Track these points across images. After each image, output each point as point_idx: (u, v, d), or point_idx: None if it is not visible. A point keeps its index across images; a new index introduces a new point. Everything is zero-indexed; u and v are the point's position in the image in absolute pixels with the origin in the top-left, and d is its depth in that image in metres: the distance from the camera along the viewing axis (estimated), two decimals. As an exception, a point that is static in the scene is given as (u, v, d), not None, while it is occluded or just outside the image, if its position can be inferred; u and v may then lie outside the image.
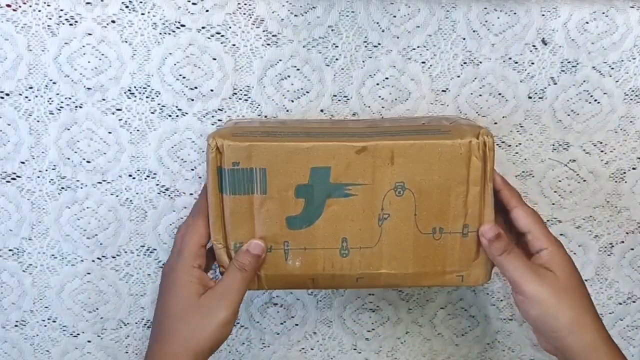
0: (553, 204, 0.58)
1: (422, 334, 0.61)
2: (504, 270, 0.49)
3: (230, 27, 0.51)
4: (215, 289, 0.48)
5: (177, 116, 0.53)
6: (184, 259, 0.48)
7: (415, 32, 0.53)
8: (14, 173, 0.53)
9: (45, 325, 0.57)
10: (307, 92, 0.54)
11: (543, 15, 0.53)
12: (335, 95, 0.54)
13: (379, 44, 0.53)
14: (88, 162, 0.53)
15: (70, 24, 0.50)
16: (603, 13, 0.53)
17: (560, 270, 0.48)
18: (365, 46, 0.53)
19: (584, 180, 0.57)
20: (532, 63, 0.54)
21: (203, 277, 0.48)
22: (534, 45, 0.54)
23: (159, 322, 0.49)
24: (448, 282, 0.50)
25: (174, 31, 0.51)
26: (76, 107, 0.52)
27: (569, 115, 0.56)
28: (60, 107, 0.52)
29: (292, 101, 0.54)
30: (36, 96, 0.51)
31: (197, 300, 0.47)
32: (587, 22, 0.53)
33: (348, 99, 0.54)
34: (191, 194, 0.55)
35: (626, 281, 0.60)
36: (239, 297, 0.48)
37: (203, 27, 0.51)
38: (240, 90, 0.53)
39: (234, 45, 0.52)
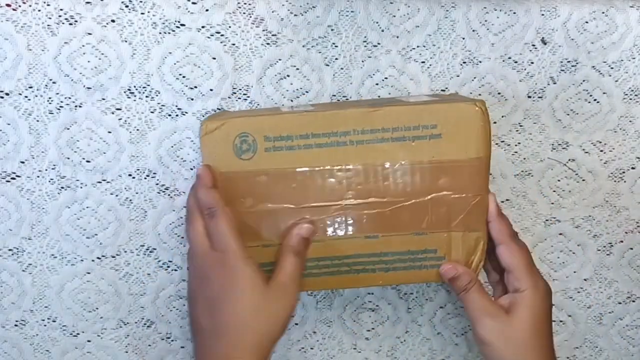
0: (552, 203, 0.58)
1: (421, 333, 0.61)
2: (464, 306, 0.50)
3: (230, 27, 0.51)
4: (277, 279, 0.47)
5: (176, 115, 0.53)
6: (236, 251, 0.46)
7: (414, 31, 0.53)
8: (14, 172, 0.53)
9: (45, 325, 0.57)
10: (307, 92, 0.54)
11: (542, 14, 0.53)
12: (334, 95, 0.54)
13: (379, 43, 0.53)
14: (88, 161, 0.53)
15: (70, 24, 0.50)
16: (603, 13, 0.53)
17: (523, 315, 0.48)
18: (365, 46, 0.53)
19: (583, 180, 0.57)
20: (532, 62, 0.54)
21: (259, 267, 0.47)
22: (533, 45, 0.54)
23: (220, 322, 0.46)
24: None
25: (173, 30, 0.51)
26: (76, 106, 0.52)
27: (568, 114, 0.56)
28: (60, 106, 0.52)
29: (292, 101, 0.54)
30: (36, 96, 0.51)
31: (264, 293, 0.46)
32: (586, 22, 0.53)
33: (347, 99, 0.54)
34: (191, 193, 0.55)
35: (625, 280, 0.60)
36: (299, 283, 0.48)
37: (203, 27, 0.51)
38: (240, 89, 0.53)
39: (233, 44, 0.52)
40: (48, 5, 0.49)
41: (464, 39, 0.53)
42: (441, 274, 0.50)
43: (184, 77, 0.52)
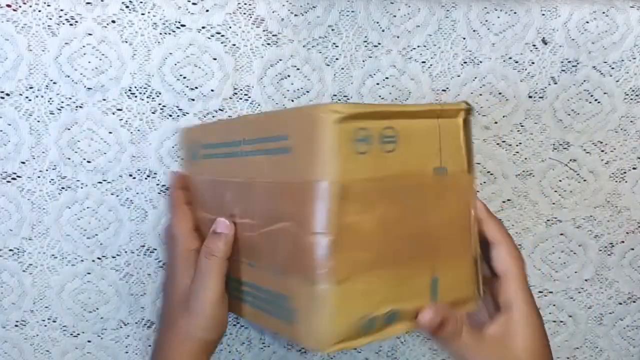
0: (553, 203, 0.58)
1: (421, 333, 0.61)
2: (450, 352, 0.43)
3: (230, 27, 0.51)
4: (192, 285, 0.46)
5: (177, 116, 0.53)
6: (179, 245, 0.49)
7: (415, 31, 0.53)
8: (15, 173, 0.53)
9: (45, 325, 0.57)
10: (308, 92, 0.54)
11: (543, 14, 0.53)
12: (335, 95, 0.54)
13: (379, 43, 0.53)
14: (88, 162, 0.53)
15: (71, 24, 0.50)
16: (603, 13, 0.53)
17: (521, 343, 0.42)
18: (366, 46, 0.53)
19: (584, 180, 0.57)
20: (533, 62, 0.54)
21: (191, 262, 0.48)
22: (534, 45, 0.54)
23: (164, 312, 0.50)
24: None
25: (174, 31, 0.51)
26: (77, 107, 0.52)
27: (569, 114, 0.56)
28: (61, 107, 0.52)
29: (292, 101, 0.54)
30: (37, 96, 0.51)
31: (184, 294, 0.47)
32: (587, 22, 0.53)
33: (348, 99, 0.54)
34: (191, 193, 0.55)
35: (626, 281, 0.60)
36: (215, 288, 0.45)
37: (203, 27, 0.51)
38: (241, 90, 0.53)
39: (234, 45, 0.52)
40: (48, 5, 0.49)
41: (464, 39, 0.53)
42: (421, 324, 0.40)
43: (184, 77, 0.52)
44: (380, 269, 0.38)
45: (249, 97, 0.53)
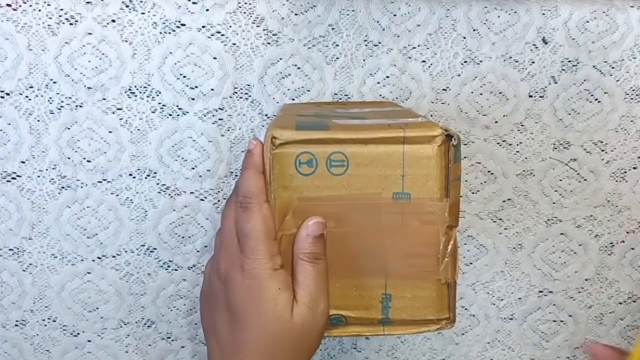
0: (553, 203, 0.58)
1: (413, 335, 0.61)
2: None
3: (230, 26, 0.51)
4: (299, 299, 0.40)
5: (177, 115, 0.53)
6: (261, 260, 0.40)
7: (415, 30, 0.53)
8: (14, 172, 0.53)
9: (45, 325, 0.57)
10: (308, 91, 0.54)
11: (543, 14, 0.53)
12: (336, 94, 0.54)
13: (380, 42, 0.53)
14: (88, 161, 0.53)
15: (71, 24, 0.50)
16: (603, 12, 0.53)
17: None
18: (366, 45, 0.53)
19: (585, 180, 0.57)
20: (533, 62, 0.54)
21: (288, 280, 0.41)
22: (534, 44, 0.54)
23: (240, 339, 0.40)
24: None
25: (174, 30, 0.51)
26: (77, 106, 0.52)
27: (569, 114, 0.56)
28: (61, 106, 0.52)
29: (293, 99, 0.54)
30: (36, 95, 0.51)
31: (287, 323, 0.40)
32: (587, 21, 0.53)
33: (349, 98, 0.54)
34: (192, 192, 0.55)
35: (626, 281, 0.60)
36: (327, 296, 0.41)
37: (203, 26, 0.51)
38: (241, 89, 0.53)
39: (234, 44, 0.52)
40: (48, 5, 0.49)
41: (465, 38, 0.53)
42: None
43: (184, 76, 0.52)
44: (328, 277, 0.42)
45: (250, 96, 0.53)
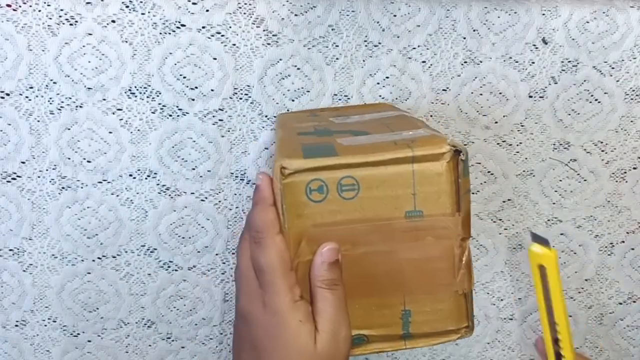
0: (554, 203, 0.58)
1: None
2: None
3: (230, 27, 0.51)
4: (322, 328, 0.40)
5: (177, 116, 0.53)
6: (280, 293, 0.40)
7: (415, 31, 0.53)
8: (15, 173, 0.53)
9: (45, 325, 0.57)
10: (308, 92, 0.54)
11: (543, 14, 0.53)
12: (335, 95, 0.54)
13: (380, 43, 0.53)
14: (89, 161, 0.53)
15: (71, 24, 0.50)
16: (603, 12, 0.53)
17: None
18: (366, 45, 0.53)
19: (585, 180, 0.57)
20: (533, 62, 0.54)
21: (309, 310, 0.41)
22: (534, 45, 0.54)
23: None
24: None
25: (174, 31, 0.51)
26: (77, 107, 0.52)
27: (569, 114, 0.56)
28: (61, 107, 0.52)
29: (293, 100, 0.54)
30: (36, 96, 0.51)
31: (315, 350, 0.40)
32: (587, 22, 0.53)
33: (349, 98, 0.54)
34: (192, 193, 0.55)
35: (626, 281, 0.60)
36: (346, 322, 0.41)
37: (203, 27, 0.51)
38: (241, 89, 0.53)
39: (234, 44, 0.52)
40: (48, 5, 0.49)
41: (464, 38, 0.53)
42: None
43: (184, 77, 0.52)
44: (347, 299, 0.42)
45: (249, 97, 0.53)
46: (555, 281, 0.43)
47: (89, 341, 0.58)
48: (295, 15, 0.51)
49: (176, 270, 0.56)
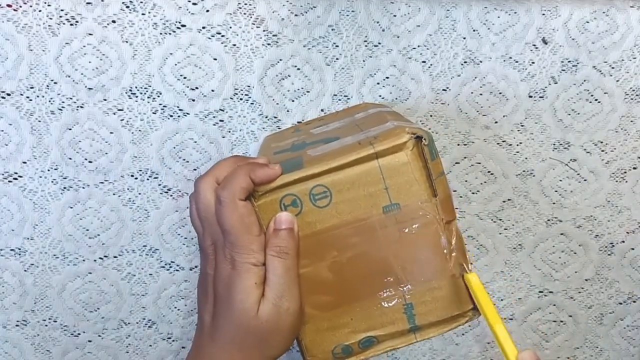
0: (554, 203, 0.58)
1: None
2: None
3: (230, 27, 0.51)
4: (267, 296, 0.41)
5: (178, 116, 0.53)
6: (246, 254, 0.41)
7: (415, 31, 0.53)
8: (16, 173, 0.53)
9: (46, 325, 0.57)
10: (308, 92, 0.54)
11: (543, 14, 0.53)
12: (335, 95, 0.54)
13: (379, 43, 0.53)
14: (90, 162, 0.53)
15: (71, 24, 0.50)
16: (603, 12, 0.53)
17: None
18: (366, 45, 0.53)
19: (585, 180, 0.57)
20: (533, 62, 0.54)
21: (261, 276, 0.41)
22: (534, 45, 0.54)
23: (217, 326, 0.42)
24: None
25: (174, 31, 0.51)
26: (78, 107, 0.52)
27: (569, 114, 0.56)
28: (62, 107, 0.52)
29: (293, 101, 0.54)
30: (37, 96, 0.51)
31: (256, 314, 0.40)
32: (587, 22, 0.53)
33: (349, 99, 0.54)
34: (192, 193, 0.55)
35: (626, 281, 0.60)
36: (295, 294, 0.41)
37: (203, 27, 0.51)
38: (241, 90, 0.53)
39: (234, 45, 0.52)
40: (49, 5, 0.50)
41: (464, 38, 0.53)
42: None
43: (185, 77, 0.52)
44: (345, 305, 0.43)
45: (250, 97, 0.53)
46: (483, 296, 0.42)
47: (90, 341, 0.58)
48: (295, 15, 0.52)
49: (178, 270, 0.57)
